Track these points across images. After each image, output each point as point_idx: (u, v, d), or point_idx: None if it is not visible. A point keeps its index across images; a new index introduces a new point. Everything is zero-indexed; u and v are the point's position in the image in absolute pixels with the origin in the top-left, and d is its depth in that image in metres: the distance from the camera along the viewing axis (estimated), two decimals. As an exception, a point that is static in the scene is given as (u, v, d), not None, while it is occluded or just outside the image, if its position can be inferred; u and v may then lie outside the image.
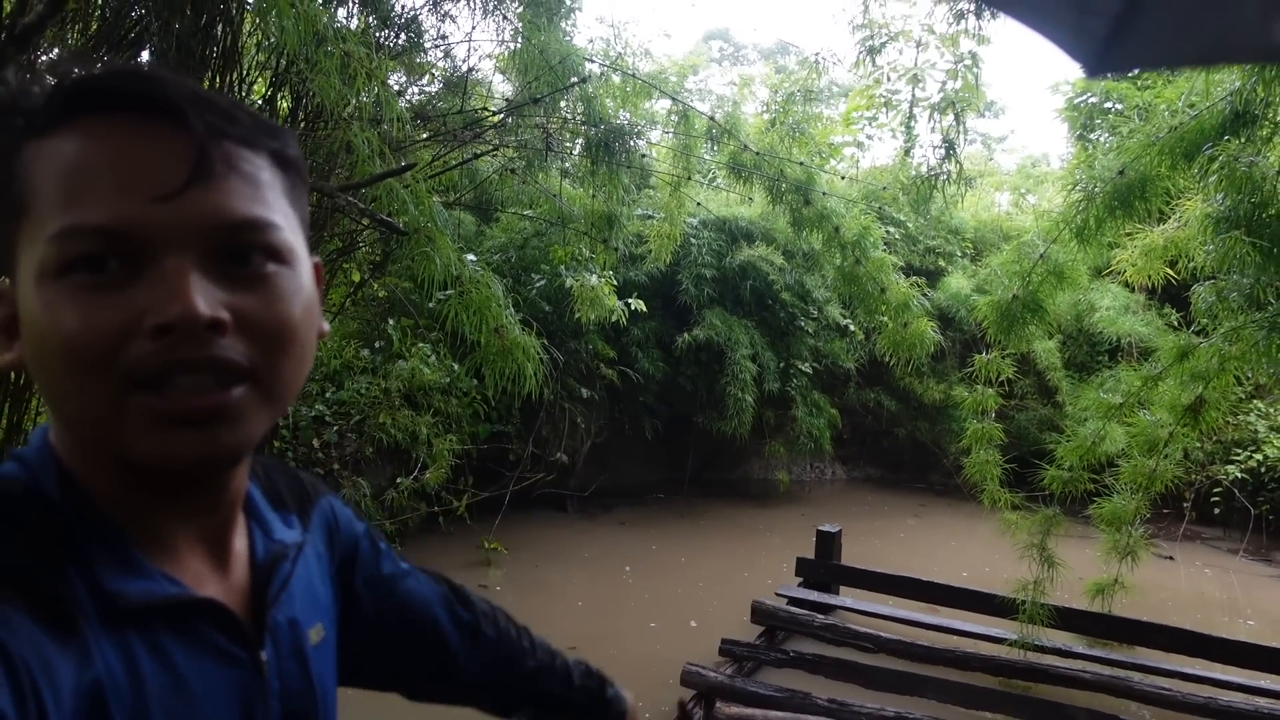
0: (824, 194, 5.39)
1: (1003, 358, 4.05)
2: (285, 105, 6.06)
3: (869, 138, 10.98)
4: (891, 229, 9.41)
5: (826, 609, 5.13)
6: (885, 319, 5.38)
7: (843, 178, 7.17)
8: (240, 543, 0.70)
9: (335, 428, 6.66)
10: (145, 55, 5.40)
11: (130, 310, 0.54)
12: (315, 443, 6.50)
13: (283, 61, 5.15)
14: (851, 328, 9.30)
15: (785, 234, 8.28)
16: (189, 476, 0.61)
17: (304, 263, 0.63)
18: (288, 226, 0.61)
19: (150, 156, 0.55)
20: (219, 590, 0.65)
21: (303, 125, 5.78)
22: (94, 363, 0.53)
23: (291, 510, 0.78)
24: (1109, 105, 9.01)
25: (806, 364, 8.95)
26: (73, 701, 0.52)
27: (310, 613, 0.74)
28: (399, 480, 6.52)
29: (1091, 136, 9.09)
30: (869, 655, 4.47)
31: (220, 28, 4.84)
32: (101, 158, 0.54)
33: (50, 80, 0.56)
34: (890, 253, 5.62)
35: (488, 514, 6.87)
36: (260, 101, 6.21)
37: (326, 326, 0.67)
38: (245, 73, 5.41)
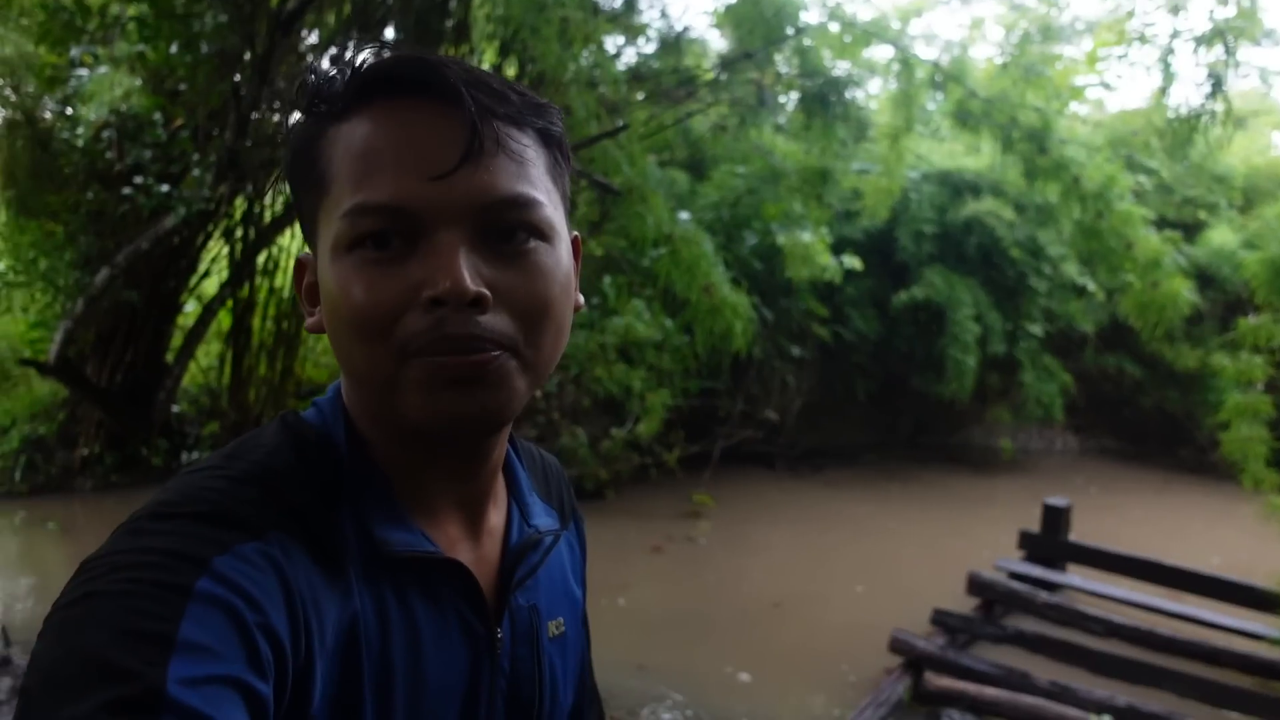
0: (1061, 141, 4.96)
1: (1276, 322, 3.58)
2: (511, 72, 6.37)
3: (1118, 77, 9.94)
4: (1142, 178, 8.48)
5: (1052, 586, 4.82)
6: (1131, 278, 4.91)
7: (1084, 122, 6.56)
8: (497, 519, 0.74)
9: (555, 379, 7.02)
10: (390, 32, 5.85)
11: (407, 283, 0.58)
12: (537, 392, 6.89)
13: (508, 30, 5.39)
14: (1090, 287, 8.54)
15: (1016, 186, 7.69)
16: (453, 437, 0.64)
17: (564, 239, 0.65)
18: (550, 203, 0.63)
19: (427, 138, 0.59)
20: (468, 559, 0.68)
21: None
22: (377, 332, 0.58)
23: (554, 503, 0.81)
24: None
25: (1037, 325, 8.34)
26: (333, 638, 0.58)
27: (554, 605, 0.76)
28: (613, 431, 6.78)
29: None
30: (1099, 639, 4.17)
31: (453, 2, 5.15)
32: (386, 140, 0.59)
33: (345, 68, 0.61)
34: (1139, 204, 5.08)
35: (697, 467, 7.00)
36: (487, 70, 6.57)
37: (582, 299, 0.70)
38: (475, 43, 5.73)
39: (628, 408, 6.88)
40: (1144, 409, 9.20)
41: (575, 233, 0.68)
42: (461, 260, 0.57)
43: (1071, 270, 8.43)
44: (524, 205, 0.60)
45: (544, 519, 0.76)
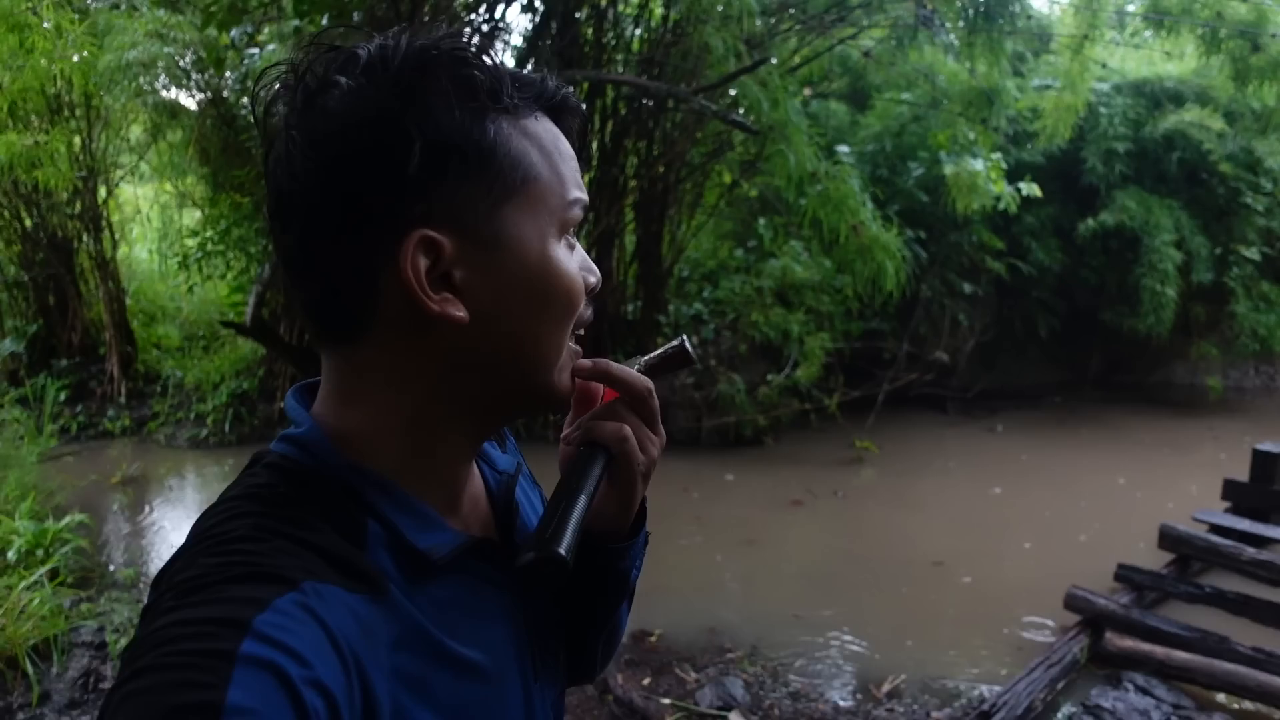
0: (1276, 35, 4.32)
1: None
2: (659, 12, 6.23)
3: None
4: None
5: (1260, 541, 4.33)
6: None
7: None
8: (477, 476, 0.75)
9: (712, 325, 6.96)
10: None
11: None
12: (694, 338, 6.86)
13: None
14: (1321, 201, 7.49)
15: (1227, 91, 6.80)
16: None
17: None
18: None
19: (574, 149, 0.69)
20: (477, 526, 0.71)
21: (673, 30, 5.91)
22: (575, 311, 0.67)
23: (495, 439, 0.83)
24: None
25: (1253, 249, 7.43)
26: (390, 657, 0.58)
27: (534, 522, 0.79)
28: (770, 377, 6.66)
29: None
30: (1316, 603, 3.71)
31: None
32: (570, 148, 0.68)
33: (528, 75, 0.66)
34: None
35: (861, 412, 6.78)
36: (636, 12, 6.46)
37: None
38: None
39: (786, 352, 6.73)
40: (1390, 339, 8.04)
41: None
42: None
43: (1297, 183, 7.42)
44: None
45: (504, 459, 0.80)
